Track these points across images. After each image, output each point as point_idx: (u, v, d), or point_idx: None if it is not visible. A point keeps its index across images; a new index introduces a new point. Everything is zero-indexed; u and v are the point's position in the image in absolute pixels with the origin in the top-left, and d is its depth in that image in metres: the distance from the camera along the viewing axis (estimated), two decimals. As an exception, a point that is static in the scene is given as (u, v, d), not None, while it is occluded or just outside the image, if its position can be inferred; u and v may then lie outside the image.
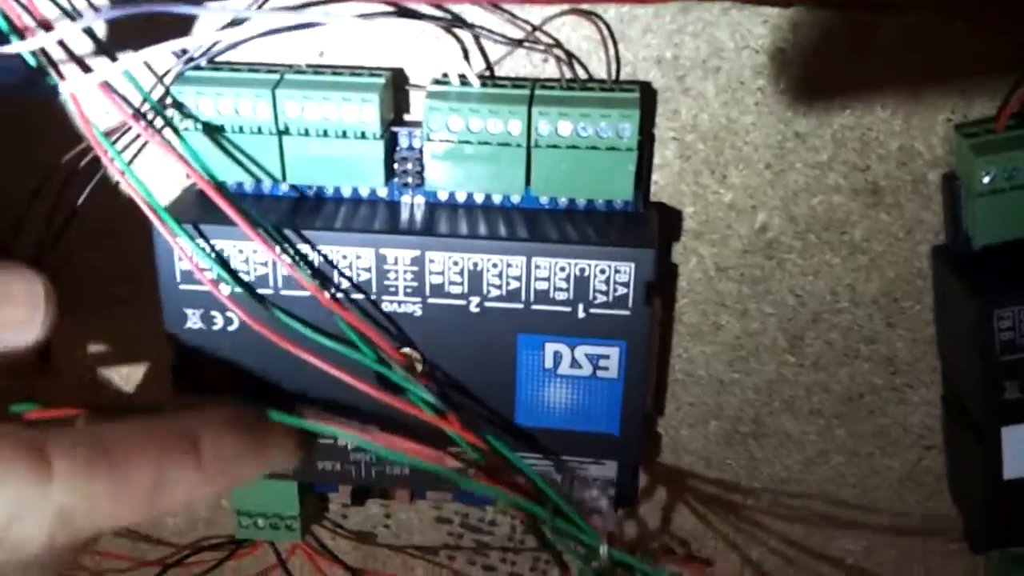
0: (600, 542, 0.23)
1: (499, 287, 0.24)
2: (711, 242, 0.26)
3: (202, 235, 0.23)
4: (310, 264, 0.23)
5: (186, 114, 0.23)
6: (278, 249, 0.23)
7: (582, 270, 0.23)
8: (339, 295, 0.24)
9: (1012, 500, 0.24)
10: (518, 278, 0.23)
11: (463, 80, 0.23)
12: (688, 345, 0.28)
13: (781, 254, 0.26)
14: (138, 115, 0.22)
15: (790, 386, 0.28)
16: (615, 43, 0.23)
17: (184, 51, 0.23)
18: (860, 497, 0.29)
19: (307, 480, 0.28)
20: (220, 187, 0.23)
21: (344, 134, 0.23)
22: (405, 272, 0.24)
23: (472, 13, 0.23)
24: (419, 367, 0.24)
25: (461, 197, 0.25)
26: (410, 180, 0.24)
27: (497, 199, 0.25)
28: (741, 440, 0.29)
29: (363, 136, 0.23)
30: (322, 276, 0.24)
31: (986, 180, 0.22)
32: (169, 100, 0.23)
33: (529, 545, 0.32)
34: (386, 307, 0.24)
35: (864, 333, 0.27)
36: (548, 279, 0.23)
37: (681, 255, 0.26)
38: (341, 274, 0.24)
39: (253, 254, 0.24)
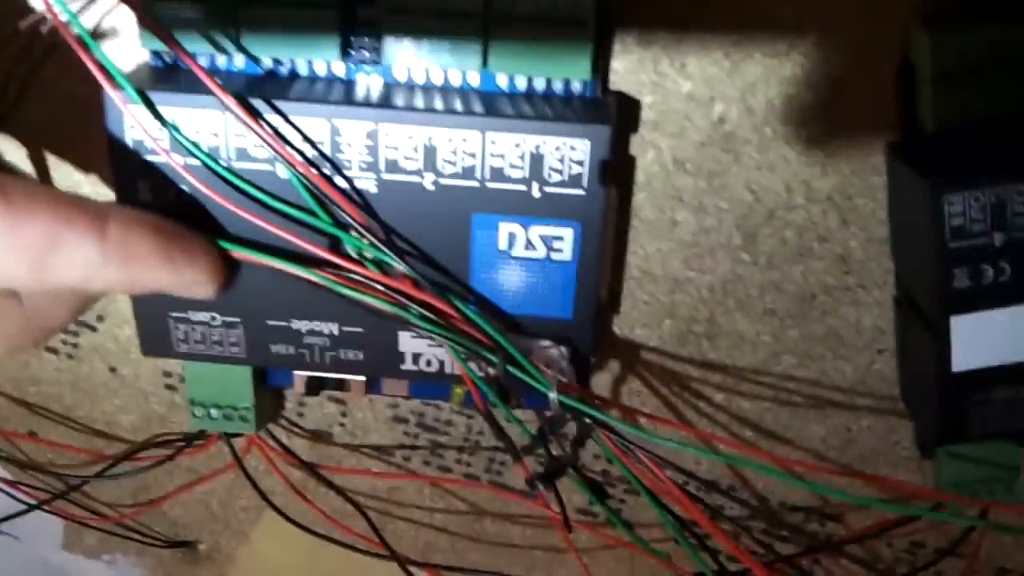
0: (551, 388, 0.23)
1: (454, 163, 0.24)
2: (669, 134, 0.26)
3: (153, 104, 0.23)
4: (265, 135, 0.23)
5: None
6: (250, 118, 0.23)
7: (537, 147, 0.23)
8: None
9: (961, 394, 0.24)
10: (473, 155, 0.23)
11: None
12: (644, 242, 0.28)
13: (738, 147, 0.26)
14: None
15: (744, 285, 0.28)
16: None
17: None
18: (812, 400, 0.30)
19: (260, 363, 0.28)
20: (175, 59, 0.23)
21: (298, 3, 0.23)
22: (360, 146, 0.23)
23: None
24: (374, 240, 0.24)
25: (419, 78, 0.25)
26: (367, 55, 0.24)
27: (456, 81, 0.25)
28: (695, 340, 0.29)
29: (317, 5, 0.23)
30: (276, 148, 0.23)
31: (939, 64, 0.22)
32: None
33: (485, 444, 0.32)
34: (340, 183, 0.24)
35: (818, 231, 0.27)
36: (503, 156, 0.23)
37: (639, 147, 0.26)
38: (294, 147, 0.23)
39: (205, 124, 0.23)
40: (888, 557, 0.32)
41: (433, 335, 0.25)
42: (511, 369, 0.24)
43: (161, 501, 0.35)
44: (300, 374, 0.29)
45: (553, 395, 0.24)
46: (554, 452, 0.26)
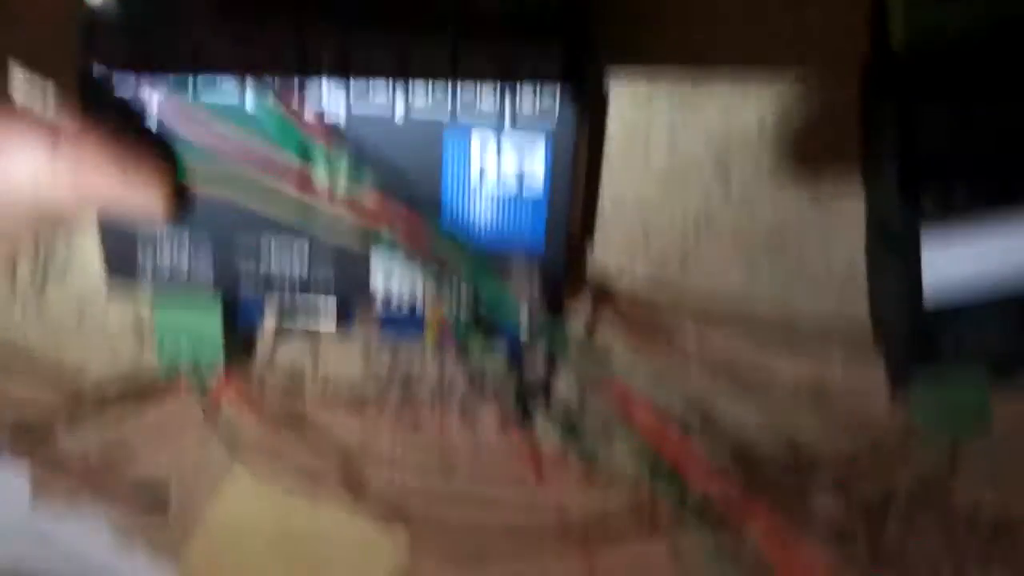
0: (521, 308, 0.23)
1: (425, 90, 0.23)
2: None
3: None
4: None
5: None
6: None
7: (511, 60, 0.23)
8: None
9: (934, 319, 0.24)
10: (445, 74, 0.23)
11: None
12: (617, 174, 0.28)
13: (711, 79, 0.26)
14: None
15: (718, 217, 0.28)
16: None
17: None
18: (786, 340, 0.29)
19: (228, 286, 0.28)
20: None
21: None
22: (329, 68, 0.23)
23: None
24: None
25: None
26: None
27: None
28: (670, 274, 0.29)
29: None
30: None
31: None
32: None
33: (460, 389, 0.32)
34: (309, 108, 0.24)
35: (792, 158, 0.27)
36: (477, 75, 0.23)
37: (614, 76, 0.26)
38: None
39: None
40: (860, 501, 0.31)
41: (403, 257, 0.24)
42: (480, 287, 0.24)
43: (129, 455, 0.35)
44: (271, 311, 0.29)
45: (524, 316, 0.24)
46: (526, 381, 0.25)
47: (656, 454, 0.25)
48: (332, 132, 0.24)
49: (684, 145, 0.27)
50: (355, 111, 0.24)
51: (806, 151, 0.26)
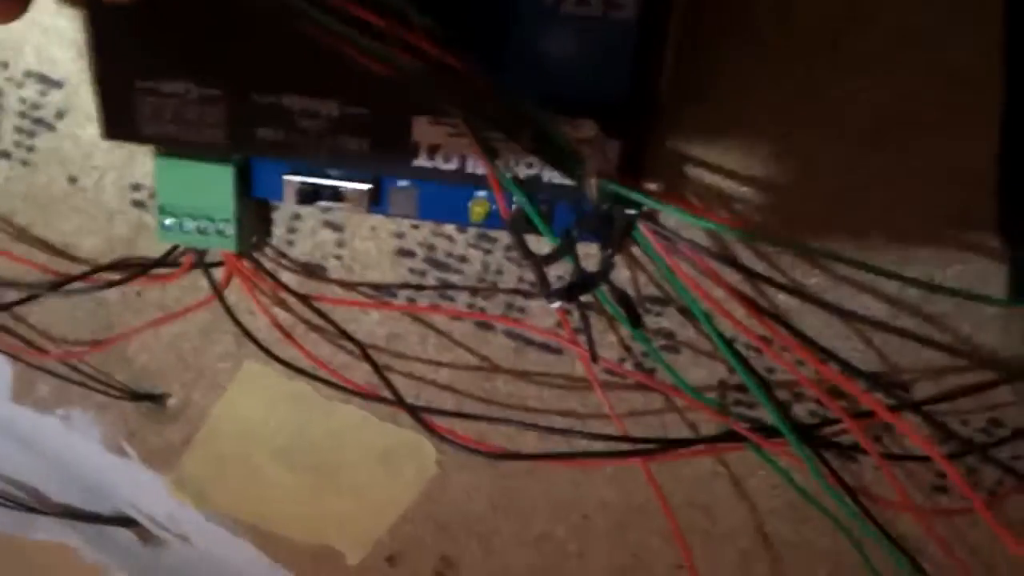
0: (587, 171, 0.19)
1: None
2: None
3: None
4: None
5: None
6: None
7: None
8: None
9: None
10: None
11: None
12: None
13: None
14: None
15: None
16: None
17: None
18: (891, 244, 0.25)
19: (242, 150, 0.24)
20: None
21: None
22: None
23: None
24: None
25: None
26: None
27: None
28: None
29: None
30: None
31: None
32: None
33: (503, 286, 0.28)
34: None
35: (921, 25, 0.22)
36: None
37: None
38: None
39: None
40: (962, 434, 0.28)
41: (453, 107, 0.20)
42: (544, 149, 0.20)
43: (124, 338, 0.31)
44: (291, 180, 0.25)
45: (592, 179, 0.19)
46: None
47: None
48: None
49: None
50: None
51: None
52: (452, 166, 0.23)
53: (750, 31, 0.22)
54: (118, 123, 0.23)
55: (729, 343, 0.24)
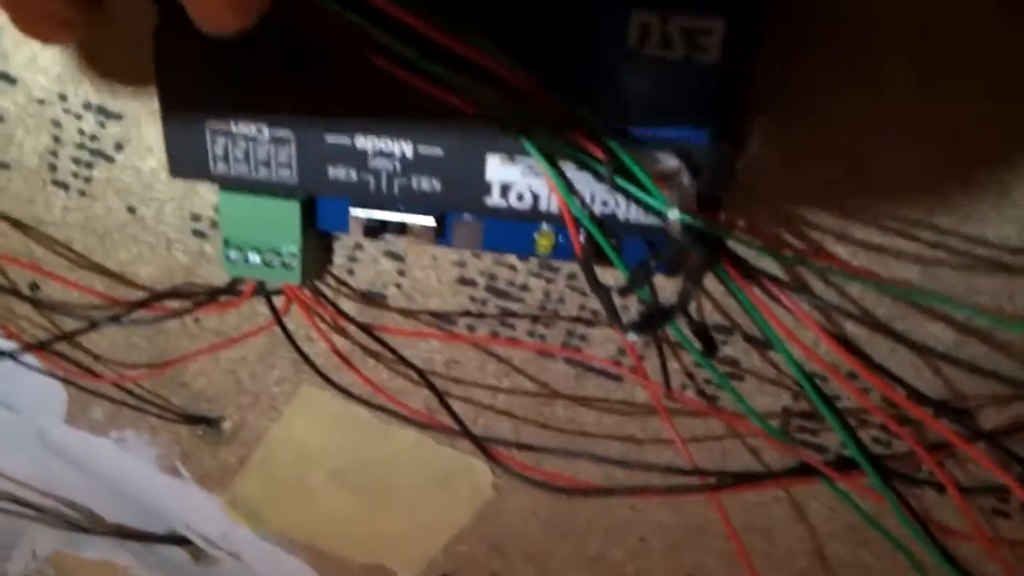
0: (669, 206, 0.19)
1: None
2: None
3: None
4: None
5: None
6: None
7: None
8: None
9: None
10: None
11: None
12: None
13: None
14: None
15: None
16: None
17: None
18: (968, 259, 0.25)
19: (314, 191, 0.23)
20: None
21: None
22: None
23: None
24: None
25: None
26: None
27: None
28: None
29: None
30: None
31: None
32: None
33: (564, 314, 0.27)
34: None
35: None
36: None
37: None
38: None
39: None
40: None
41: (535, 140, 0.20)
42: (620, 182, 0.20)
43: (181, 363, 0.31)
44: (358, 215, 0.25)
45: (675, 214, 0.19)
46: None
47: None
48: None
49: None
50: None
51: None
52: (526, 205, 0.23)
53: (830, 62, 0.22)
54: (186, 162, 0.23)
55: (802, 371, 0.24)
